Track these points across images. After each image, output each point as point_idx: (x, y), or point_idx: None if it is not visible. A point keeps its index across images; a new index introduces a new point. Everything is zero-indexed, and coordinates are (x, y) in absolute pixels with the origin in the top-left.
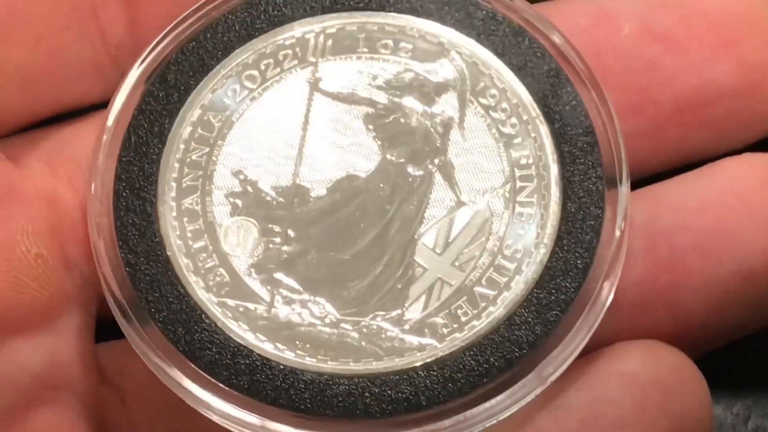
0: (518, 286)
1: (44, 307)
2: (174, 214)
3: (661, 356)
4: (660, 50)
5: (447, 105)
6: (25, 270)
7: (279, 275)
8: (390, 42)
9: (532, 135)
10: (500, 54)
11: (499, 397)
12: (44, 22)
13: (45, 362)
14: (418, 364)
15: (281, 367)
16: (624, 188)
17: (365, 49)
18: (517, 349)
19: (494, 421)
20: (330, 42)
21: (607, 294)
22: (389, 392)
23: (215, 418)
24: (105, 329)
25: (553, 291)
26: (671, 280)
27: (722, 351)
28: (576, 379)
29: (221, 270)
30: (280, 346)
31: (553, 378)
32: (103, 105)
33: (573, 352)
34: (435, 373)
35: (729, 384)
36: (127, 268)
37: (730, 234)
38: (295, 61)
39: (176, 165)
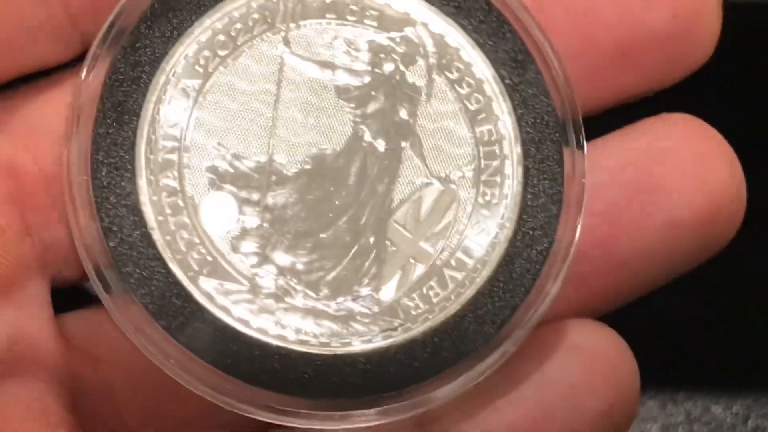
0: (485, 267)
1: (6, 277)
2: (152, 188)
3: (601, 332)
4: None
5: (414, 77)
6: None
7: (258, 255)
8: (356, 8)
9: (496, 112)
10: (465, 28)
11: (466, 375)
12: None
13: (9, 334)
14: (392, 344)
15: (259, 345)
16: (585, 171)
17: (333, 15)
18: (484, 332)
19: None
20: (299, 7)
21: (563, 276)
22: (364, 372)
23: (196, 392)
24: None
25: (517, 274)
26: (607, 232)
27: (722, 351)
28: (528, 351)
29: (201, 247)
30: (258, 325)
31: (511, 353)
32: (62, 67)
33: (528, 331)
34: (410, 353)
35: (729, 384)
36: (107, 244)
37: (658, 188)
38: (265, 26)
39: (152, 136)
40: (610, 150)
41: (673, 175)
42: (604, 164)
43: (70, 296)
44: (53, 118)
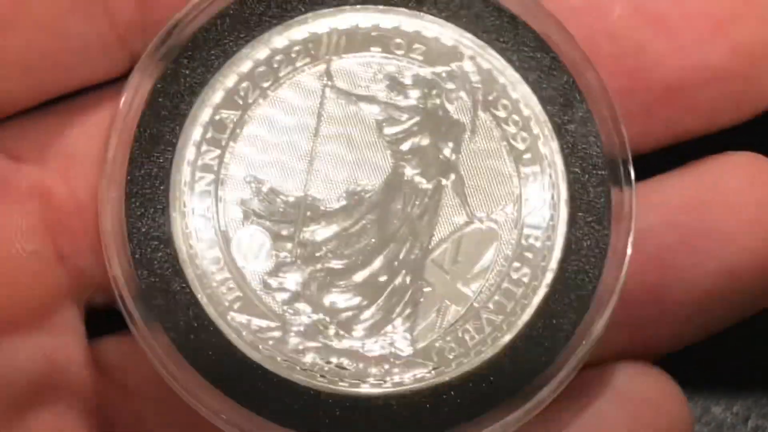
0: (524, 312)
1: (39, 304)
2: (186, 221)
3: (649, 376)
4: (651, 33)
5: (459, 113)
6: (20, 268)
7: (291, 293)
8: (402, 42)
9: (542, 151)
10: (513, 63)
11: (502, 421)
12: (46, 6)
13: (42, 362)
14: (425, 387)
15: (287, 384)
16: (633, 214)
17: (378, 48)
18: (521, 377)
19: None
20: (344, 39)
21: (606, 321)
22: (397, 415)
23: (224, 427)
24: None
25: (558, 319)
26: (659, 277)
27: (722, 351)
28: (570, 397)
29: (233, 282)
30: (289, 364)
31: (550, 399)
32: (107, 84)
33: (569, 377)
34: (442, 396)
35: (729, 384)
36: (138, 276)
37: (716, 232)
38: (308, 59)
39: (188, 168)
40: (666, 190)
41: (732, 219)
42: (659, 205)
43: (106, 318)
44: (88, 143)
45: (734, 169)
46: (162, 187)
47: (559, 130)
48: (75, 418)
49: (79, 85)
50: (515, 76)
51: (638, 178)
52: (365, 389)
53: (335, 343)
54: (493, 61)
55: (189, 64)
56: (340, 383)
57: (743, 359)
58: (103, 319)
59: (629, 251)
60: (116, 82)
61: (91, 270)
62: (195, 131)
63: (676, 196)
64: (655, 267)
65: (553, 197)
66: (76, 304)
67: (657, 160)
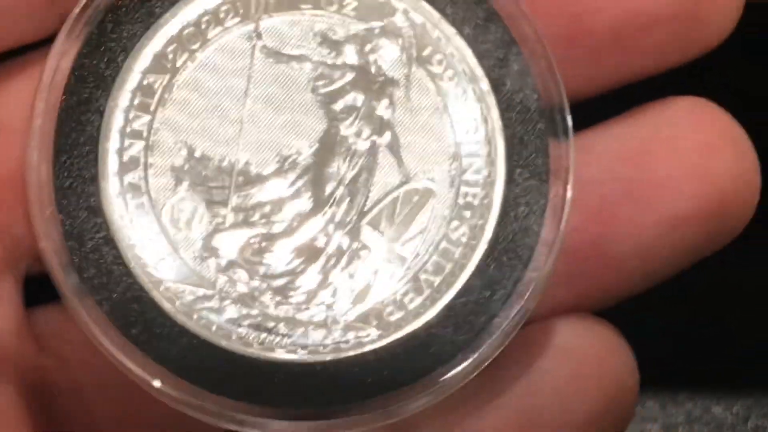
0: (463, 272)
1: None
2: (117, 189)
3: (593, 330)
4: None
5: (393, 70)
6: None
7: (224, 259)
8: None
9: (479, 106)
10: (447, 16)
11: (444, 380)
12: None
13: None
14: (365, 351)
15: (224, 353)
16: (571, 167)
17: (309, 5)
18: (462, 337)
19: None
20: None
21: (546, 277)
22: (338, 381)
23: (163, 398)
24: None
25: (497, 277)
26: (602, 229)
27: (722, 351)
28: (513, 355)
29: (166, 251)
30: (225, 333)
31: (491, 358)
32: (36, 45)
33: (510, 335)
34: (383, 360)
35: (729, 384)
36: (69, 247)
37: (658, 181)
38: (237, 19)
39: (117, 135)
40: (607, 140)
41: (674, 167)
42: (600, 156)
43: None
44: (16, 110)
45: (677, 114)
46: (91, 156)
47: (496, 85)
48: (11, 389)
49: (5, 47)
50: (450, 30)
51: (580, 127)
52: (304, 356)
53: (272, 310)
54: (426, 14)
55: (114, 28)
56: (278, 350)
57: (743, 359)
58: (42, 287)
59: (567, 207)
60: (45, 44)
61: (27, 239)
62: (123, 97)
63: (617, 145)
64: (598, 219)
65: (490, 153)
66: (12, 275)
67: (599, 106)
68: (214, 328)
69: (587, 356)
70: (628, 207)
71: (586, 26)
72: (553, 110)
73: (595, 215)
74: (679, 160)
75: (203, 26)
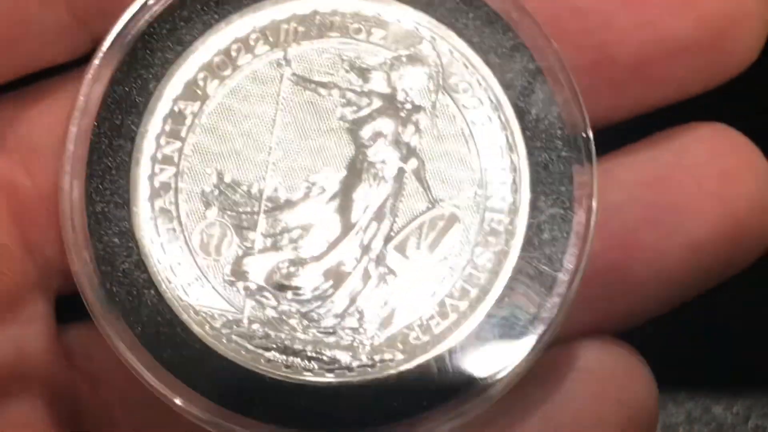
0: (488, 296)
1: (8, 296)
2: (148, 214)
3: (614, 353)
4: (616, 6)
5: (420, 97)
6: None
7: (253, 283)
8: (362, 27)
9: (504, 134)
10: (474, 44)
11: (470, 404)
12: None
13: (11, 353)
14: (391, 374)
15: (252, 375)
16: (595, 195)
17: (337, 33)
18: (487, 361)
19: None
20: (302, 25)
21: (569, 304)
22: (362, 403)
23: (192, 419)
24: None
25: (521, 303)
26: (624, 254)
27: (722, 351)
28: (536, 377)
29: (195, 275)
30: (252, 354)
31: (515, 381)
32: (68, 67)
33: (533, 359)
34: (410, 383)
35: (729, 384)
36: (101, 269)
37: (680, 207)
38: (266, 47)
39: (148, 161)
40: (629, 165)
41: (694, 193)
42: (622, 181)
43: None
44: (50, 132)
45: (697, 141)
46: (122, 181)
47: (521, 113)
48: (43, 408)
49: (38, 68)
50: (476, 59)
51: (602, 152)
52: (331, 378)
53: (299, 334)
54: (453, 42)
55: (146, 55)
56: (305, 373)
57: (743, 359)
58: (73, 305)
59: (591, 234)
60: (79, 64)
61: (59, 260)
62: (154, 123)
63: (639, 171)
64: (619, 244)
65: (515, 180)
66: (45, 294)
67: (621, 130)
68: (242, 351)
69: (609, 379)
70: (649, 232)
71: (610, 55)
72: (578, 138)
73: (617, 240)
74: (700, 187)
75: (233, 53)
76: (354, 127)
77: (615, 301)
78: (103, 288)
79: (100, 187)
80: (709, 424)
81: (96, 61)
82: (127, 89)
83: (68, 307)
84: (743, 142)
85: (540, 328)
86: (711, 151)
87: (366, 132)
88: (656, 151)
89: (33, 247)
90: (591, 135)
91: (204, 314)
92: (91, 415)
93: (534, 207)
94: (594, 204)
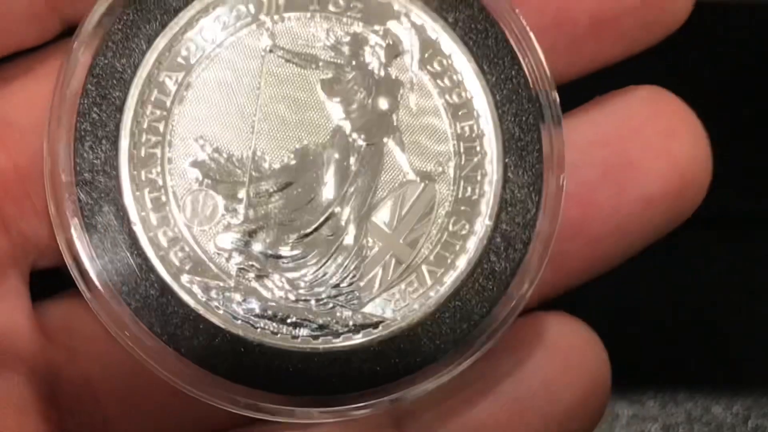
0: (462, 264)
1: None
2: (135, 183)
3: (573, 326)
4: None
5: (398, 71)
6: None
7: (240, 251)
8: (341, 1)
9: (477, 107)
10: (446, 20)
11: (445, 370)
12: None
13: None
14: (372, 341)
15: (240, 342)
16: (563, 157)
17: (317, 7)
18: (462, 327)
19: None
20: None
21: (538, 270)
22: (343, 369)
23: (178, 386)
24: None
25: (496, 268)
26: (581, 211)
27: (722, 351)
28: (505, 346)
29: (184, 244)
30: (242, 322)
31: (490, 346)
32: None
33: (507, 325)
34: (388, 349)
35: (729, 384)
36: (89, 240)
37: (631, 164)
38: (249, 18)
39: (135, 131)
40: (579, 126)
41: (643, 151)
42: (574, 141)
43: (46, 280)
44: (26, 110)
45: (639, 102)
46: (110, 152)
47: (493, 87)
48: (21, 383)
49: (11, 51)
50: (448, 32)
51: None
52: (315, 345)
53: (285, 302)
54: (424, 16)
55: (131, 26)
56: (292, 340)
57: (743, 359)
58: (46, 279)
59: (562, 200)
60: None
61: (36, 235)
62: (140, 94)
63: (589, 131)
64: (577, 203)
65: (488, 151)
66: (19, 269)
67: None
68: (230, 318)
69: (571, 350)
70: (605, 190)
71: (569, 16)
72: (545, 104)
73: (574, 199)
74: (646, 145)
75: (218, 25)
76: (335, 100)
77: (574, 257)
78: (92, 259)
79: (87, 157)
80: (709, 424)
81: (81, 33)
82: (112, 60)
83: (41, 281)
84: (677, 102)
85: (515, 294)
86: (652, 111)
87: (346, 104)
88: (602, 112)
89: (8, 221)
90: (557, 99)
91: (192, 282)
92: (70, 387)
93: (506, 175)
94: (564, 168)
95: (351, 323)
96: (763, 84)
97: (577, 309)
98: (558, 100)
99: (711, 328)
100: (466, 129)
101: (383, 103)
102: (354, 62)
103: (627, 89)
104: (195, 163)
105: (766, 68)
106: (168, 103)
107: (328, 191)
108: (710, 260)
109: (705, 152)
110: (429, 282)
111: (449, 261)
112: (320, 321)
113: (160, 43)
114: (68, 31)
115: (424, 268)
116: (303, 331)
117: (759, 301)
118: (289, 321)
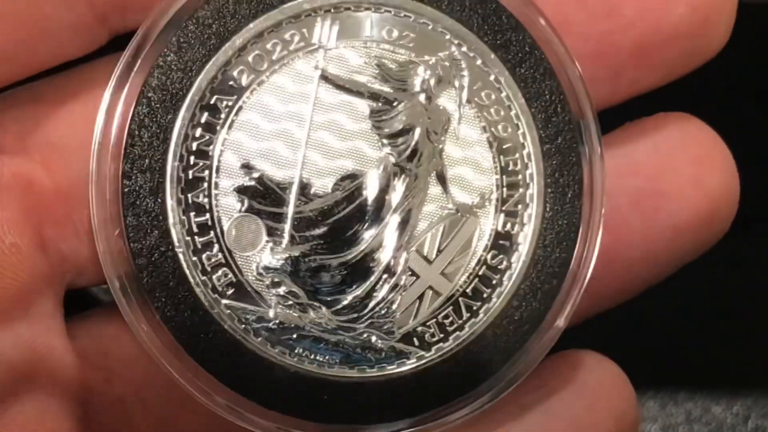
0: (498, 298)
1: (19, 294)
2: (182, 207)
3: (602, 365)
4: None
5: (446, 101)
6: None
7: (282, 278)
8: (395, 30)
9: (522, 141)
10: (496, 51)
11: (476, 402)
12: None
13: (23, 351)
14: (407, 371)
15: (277, 368)
16: (603, 195)
17: (370, 35)
18: (496, 359)
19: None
20: (336, 25)
21: (573, 305)
22: (378, 398)
23: (214, 410)
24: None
25: (531, 303)
26: (611, 239)
27: (722, 351)
28: (535, 382)
29: (227, 269)
30: (280, 349)
31: (521, 380)
32: (85, 59)
33: (539, 358)
34: (422, 381)
35: (729, 384)
36: (134, 262)
37: (662, 193)
38: (302, 43)
39: (183, 154)
40: (614, 154)
41: (674, 180)
42: (610, 170)
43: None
44: (69, 129)
45: (669, 130)
46: (157, 175)
47: (538, 119)
48: (56, 405)
49: (55, 64)
50: (497, 65)
51: None
52: (350, 374)
53: (323, 329)
54: (475, 48)
55: (182, 49)
56: (328, 368)
57: (743, 359)
58: (81, 301)
59: (598, 244)
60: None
61: (75, 255)
62: (190, 117)
63: (620, 158)
64: (609, 230)
65: (530, 186)
66: (55, 291)
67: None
68: (268, 345)
69: (600, 389)
70: (636, 218)
71: (613, 44)
72: (586, 137)
73: (606, 225)
74: (678, 174)
75: (269, 48)
76: (384, 129)
77: (604, 283)
78: (136, 281)
79: (135, 180)
80: (708, 425)
81: (131, 51)
82: (162, 82)
83: (76, 303)
84: (707, 130)
85: (549, 329)
86: (683, 139)
87: (394, 134)
88: (633, 139)
89: (47, 242)
90: (600, 136)
91: (233, 308)
92: (105, 411)
93: (545, 211)
94: (603, 208)
95: (386, 353)
96: (764, 84)
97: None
98: (600, 134)
99: (711, 328)
100: (510, 163)
101: (429, 133)
102: (403, 92)
103: (656, 116)
104: (241, 189)
105: (766, 68)
106: (218, 127)
107: (371, 221)
108: (710, 260)
109: (734, 181)
110: (465, 315)
111: (485, 295)
112: (356, 350)
113: (213, 66)
114: (116, 41)
115: (461, 300)
116: (338, 359)
117: (759, 301)
118: (325, 349)
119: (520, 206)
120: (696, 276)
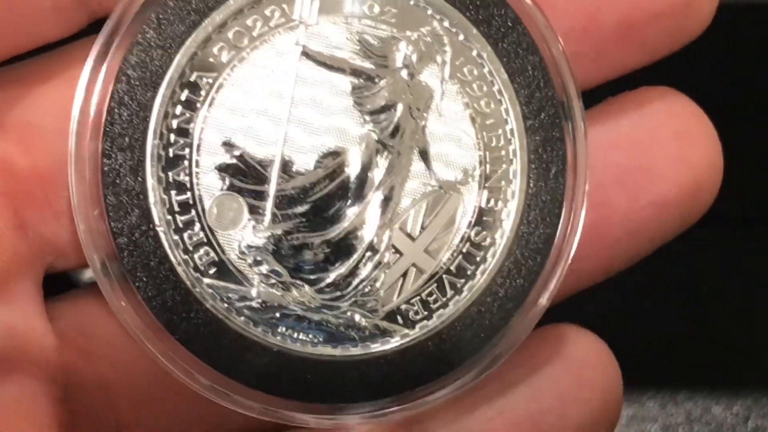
0: (482, 275)
1: None
2: (162, 186)
3: (587, 340)
4: None
5: (429, 77)
6: None
7: (264, 256)
8: (376, 5)
9: (504, 116)
10: (478, 26)
11: (461, 379)
12: None
13: (1, 335)
14: (391, 349)
15: (260, 347)
16: (586, 167)
17: (351, 11)
18: (480, 337)
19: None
20: (317, 1)
21: (556, 282)
22: (361, 376)
23: (197, 390)
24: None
25: (515, 279)
26: (597, 214)
27: (722, 351)
28: (519, 358)
29: (208, 248)
30: (263, 328)
31: (506, 357)
32: (62, 42)
33: (524, 335)
34: (407, 358)
35: (729, 384)
36: (115, 243)
37: (645, 168)
38: (283, 19)
39: (164, 132)
40: (596, 130)
41: (658, 155)
42: (592, 146)
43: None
44: (47, 111)
45: (651, 104)
46: (137, 153)
47: (521, 94)
48: (37, 387)
49: (33, 47)
50: (480, 40)
51: None
52: (333, 352)
53: (306, 308)
54: (458, 23)
55: (162, 26)
56: (311, 347)
57: (743, 359)
58: (60, 283)
59: (582, 219)
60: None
61: (55, 237)
62: (170, 95)
63: (603, 133)
64: (592, 206)
65: (513, 162)
66: (35, 273)
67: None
68: (251, 323)
69: (586, 364)
70: (619, 194)
71: (597, 21)
72: (569, 114)
73: (590, 201)
74: (661, 149)
75: (249, 23)
76: (365, 106)
77: (588, 259)
78: (117, 261)
79: (114, 159)
80: (709, 425)
81: (108, 29)
82: (141, 61)
83: (55, 284)
84: (690, 104)
85: (532, 305)
86: (666, 114)
87: (376, 111)
88: (616, 113)
89: (27, 224)
90: (583, 111)
91: (215, 287)
92: (87, 393)
93: (529, 187)
94: (587, 183)
95: (369, 331)
96: (764, 84)
97: (577, 308)
98: (584, 110)
99: (711, 329)
100: (493, 139)
101: (412, 110)
102: (385, 68)
103: (639, 90)
104: (222, 167)
105: (766, 68)
106: (198, 105)
107: (353, 198)
108: (710, 260)
109: (717, 155)
110: (449, 292)
111: (469, 272)
112: (340, 328)
113: (193, 43)
114: (96, 24)
115: (444, 277)
116: (322, 338)
117: (759, 300)
118: (308, 327)
119: (503, 182)
120: (696, 276)
